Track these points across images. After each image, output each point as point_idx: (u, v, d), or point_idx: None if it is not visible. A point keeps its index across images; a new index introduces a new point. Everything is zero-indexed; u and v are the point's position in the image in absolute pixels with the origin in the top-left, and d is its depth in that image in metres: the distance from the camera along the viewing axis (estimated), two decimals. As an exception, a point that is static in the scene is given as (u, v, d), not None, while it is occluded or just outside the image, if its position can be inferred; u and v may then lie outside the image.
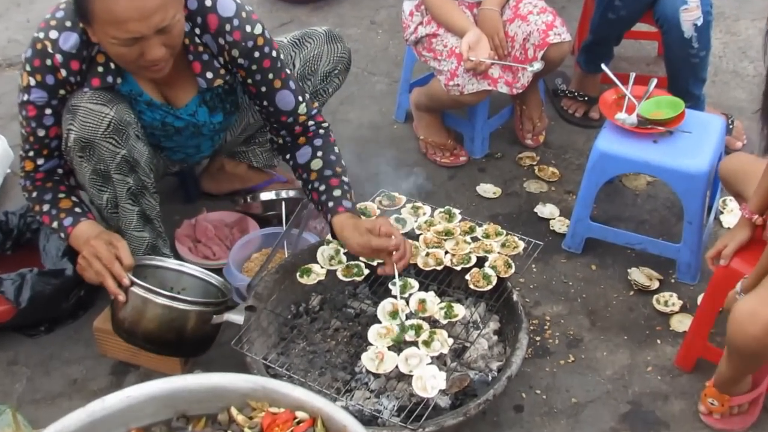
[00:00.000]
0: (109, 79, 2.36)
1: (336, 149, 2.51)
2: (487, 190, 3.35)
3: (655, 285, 2.87)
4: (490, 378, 2.31)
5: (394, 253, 2.26)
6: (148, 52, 2.20)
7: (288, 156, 2.53)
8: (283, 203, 2.96)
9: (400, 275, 2.36)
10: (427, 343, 2.21)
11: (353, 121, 3.81)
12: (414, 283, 2.42)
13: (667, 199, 3.27)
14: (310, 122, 2.51)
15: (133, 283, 2.23)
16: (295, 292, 2.58)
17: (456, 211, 2.68)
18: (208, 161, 3.21)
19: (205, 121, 2.59)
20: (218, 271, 2.80)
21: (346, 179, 2.45)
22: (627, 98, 2.94)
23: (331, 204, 2.39)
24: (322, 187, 2.43)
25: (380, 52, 4.25)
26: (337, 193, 2.40)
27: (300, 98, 2.47)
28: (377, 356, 2.18)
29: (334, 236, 2.39)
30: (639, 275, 2.90)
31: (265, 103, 2.47)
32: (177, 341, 2.27)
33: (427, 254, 2.48)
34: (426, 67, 3.50)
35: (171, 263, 2.45)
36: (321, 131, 2.52)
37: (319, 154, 2.49)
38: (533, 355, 2.63)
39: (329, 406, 1.59)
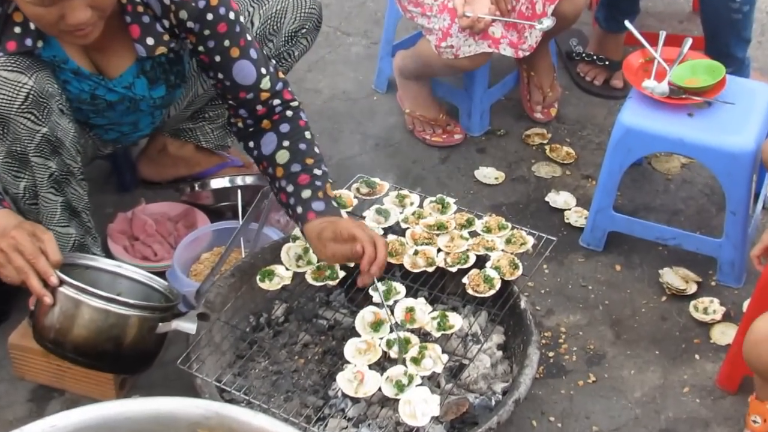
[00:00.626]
0: (28, 42, 2.33)
1: (307, 134, 2.49)
2: (488, 174, 3.37)
3: (692, 289, 2.90)
4: (493, 402, 2.32)
5: (362, 263, 2.24)
6: (69, 14, 2.17)
7: (251, 144, 2.51)
8: (239, 192, 2.96)
9: (381, 280, 2.37)
10: (416, 361, 2.21)
11: (324, 92, 3.81)
12: (400, 287, 2.42)
13: (705, 184, 3.31)
14: (276, 101, 2.49)
15: (62, 282, 2.21)
16: (255, 300, 2.58)
17: (450, 200, 2.69)
18: (147, 141, 3.20)
19: (144, 96, 2.58)
20: (161, 274, 2.78)
21: (319, 172, 2.43)
22: (656, 62, 2.96)
23: (300, 210, 2.38)
24: (290, 188, 2.42)
25: (356, 8, 4.25)
26: (306, 194, 2.39)
27: (263, 70, 2.45)
28: (356, 377, 2.18)
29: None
30: (673, 277, 2.93)
31: (220, 75, 2.44)
32: (114, 353, 2.25)
33: (416, 253, 2.49)
34: (412, 25, 3.50)
35: (105, 263, 2.43)
36: (289, 113, 2.50)
37: (286, 143, 2.47)
38: (546, 374, 2.65)
39: (299, 437, 1.59)
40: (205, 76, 2.52)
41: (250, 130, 2.51)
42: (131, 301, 2.26)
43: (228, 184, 3.00)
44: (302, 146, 2.46)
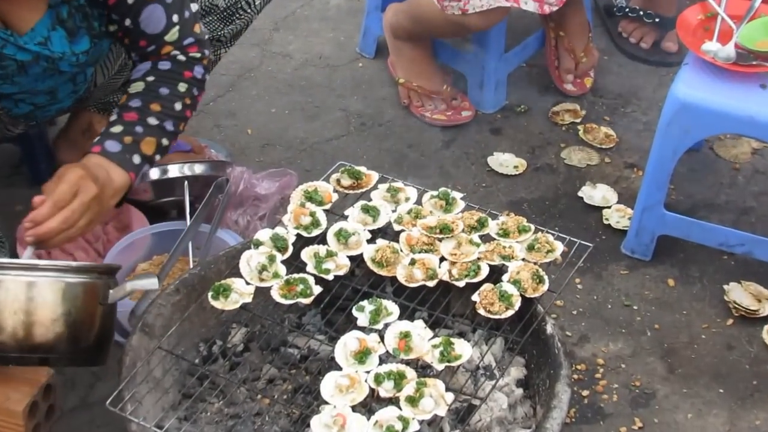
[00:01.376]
0: None
1: (182, 87, 2.57)
2: (506, 162, 3.37)
3: (766, 309, 2.89)
4: (511, 454, 2.31)
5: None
6: None
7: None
8: (186, 184, 2.96)
9: (368, 297, 2.39)
10: (413, 401, 2.19)
11: (295, 57, 3.82)
12: (392, 307, 2.40)
13: (782, 175, 3.34)
14: (178, 54, 2.60)
15: None
16: (206, 324, 2.56)
17: (457, 195, 2.67)
18: (67, 119, 3.20)
19: (64, 52, 2.57)
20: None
21: (153, 122, 2.51)
22: (719, 19, 2.95)
23: (96, 138, 2.48)
24: (113, 116, 2.51)
25: (337, -51, 4.26)
26: (115, 129, 2.48)
27: (175, 18, 2.57)
28: (336, 422, 2.15)
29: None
30: (741, 294, 2.93)
31: (127, 22, 2.54)
32: (67, 337, 2.25)
33: (413, 262, 2.48)
34: (409, -29, 3.50)
35: (13, 261, 2.42)
36: (181, 57, 2.59)
37: (150, 78, 2.56)
38: (579, 418, 2.64)
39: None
40: (108, 18, 2.57)
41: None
42: (72, 264, 2.30)
43: (172, 175, 2.99)
44: (163, 90, 2.55)
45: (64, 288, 2.24)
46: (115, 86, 3.02)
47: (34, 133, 3.09)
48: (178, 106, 2.55)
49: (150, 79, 2.55)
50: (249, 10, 3.02)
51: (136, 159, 2.46)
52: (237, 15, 2.99)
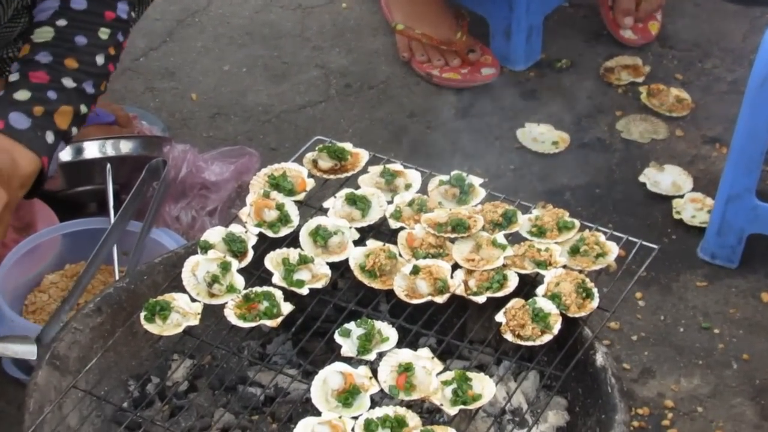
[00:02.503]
0: None
1: (103, 33, 2.60)
2: (541, 136, 3.42)
3: None
4: None
5: None
6: None
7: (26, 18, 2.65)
8: (109, 168, 2.99)
9: (357, 317, 2.42)
10: (417, 458, 2.23)
11: (256, -5, 3.88)
12: (387, 330, 2.43)
13: None
14: None
15: None
16: (138, 355, 2.59)
17: (475, 180, 2.71)
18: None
19: None
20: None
21: (70, 84, 2.54)
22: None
23: None
24: (15, 76, 2.53)
25: None
26: (21, 95, 2.50)
27: None
28: None
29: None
30: None
31: None
32: None
33: (416, 271, 2.51)
34: None
35: None
36: None
37: (61, 22, 2.59)
38: (641, 481, 2.70)
39: None
40: None
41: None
42: None
43: (89, 155, 3.03)
44: (80, 39, 2.58)
45: None
46: (9, 38, 3.02)
47: None
48: (99, 59, 2.57)
49: (61, 23, 2.57)
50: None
51: (50, 137, 2.48)
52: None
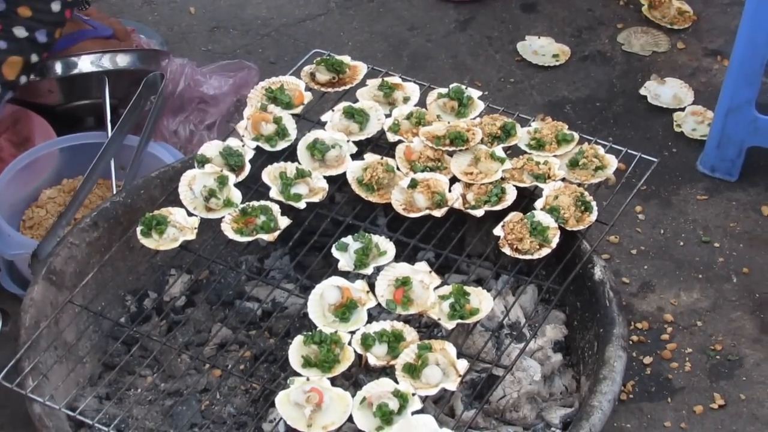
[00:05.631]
0: None
1: None
2: (542, 49, 3.41)
3: None
4: (547, 441, 2.36)
5: None
6: None
7: None
8: (107, 82, 2.97)
9: (355, 231, 2.42)
10: (413, 371, 2.23)
11: None
12: (385, 244, 2.43)
13: None
14: None
15: None
16: (136, 270, 2.60)
17: (474, 93, 2.70)
18: None
19: None
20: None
21: (23, 34, 2.54)
22: None
23: None
24: None
25: None
26: None
27: None
28: (309, 399, 2.19)
29: None
30: None
31: None
32: None
33: (414, 184, 2.51)
34: None
35: None
36: None
37: None
38: (639, 394, 2.69)
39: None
40: None
41: None
42: None
43: (86, 69, 2.99)
44: None
45: None
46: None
47: None
48: (55, 6, 2.56)
49: None
50: None
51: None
52: None
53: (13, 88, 2.52)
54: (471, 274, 2.55)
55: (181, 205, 2.47)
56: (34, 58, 2.54)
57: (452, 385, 2.21)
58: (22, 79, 2.53)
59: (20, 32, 2.51)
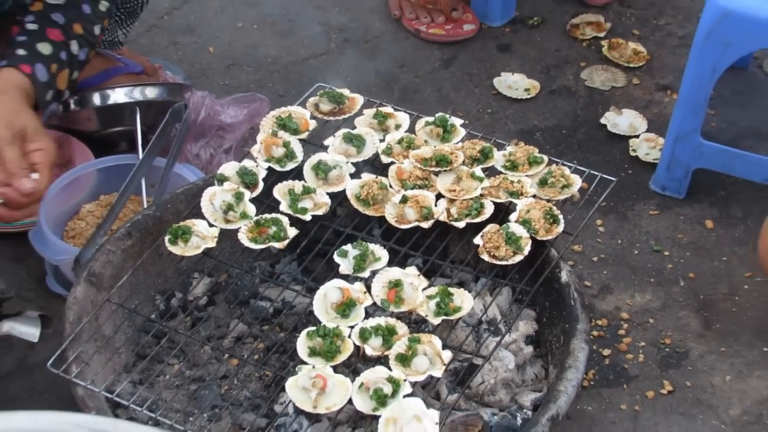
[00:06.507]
0: None
1: (105, 8, 2.56)
2: (515, 84, 3.42)
3: (820, 254, 2.95)
4: (519, 421, 2.36)
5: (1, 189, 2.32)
6: None
7: None
8: (138, 111, 2.99)
9: (354, 240, 2.45)
10: (404, 360, 2.25)
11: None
12: (380, 251, 2.45)
13: (842, 99, 3.39)
14: None
15: None
16: (164, 273, 2.62)
17: (457, 121, 2.72)
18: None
19: None
20: (20, 236, 2.86)
21: (75, 51, 2.50)
22: None
23: (21, 52, 2.43)
24: (33, 26, 2.48)
25: None
26: (45, 49, 2.45)
27: None
28: (314, 384, 2.20)
29: None
30: (790, 237, 2.98)
31: None
32: None
33: (404, 200, 2.52)
34: None
35: None
36: None
37: None
38: (599, 381, 2.71)
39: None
40: None
41: None
42: None
43: (121, 100, 3.02)
44: (86, 8, 2.54)
45: None
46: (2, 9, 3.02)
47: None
48: (97, 29, 2.54)
49: None
50: None
51: (49, 95, 2.46)
52: None
53: (58, 99, 2.52)
54: (454, 278, 2.59)
55: (203, 218, 2.49)
56: (75, 74, 2.54)
57: (438, 372, 2.24)
58: (66, 93, 2.54)
59: (74, 47, 2.50)
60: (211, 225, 2.49)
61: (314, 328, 2.30)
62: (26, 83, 2.40)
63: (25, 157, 2.30)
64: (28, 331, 2.37)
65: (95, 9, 2.54)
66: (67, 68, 2.47)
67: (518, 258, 2.44)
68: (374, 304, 2.37)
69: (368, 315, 2.35)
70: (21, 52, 2.42)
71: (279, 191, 2.52)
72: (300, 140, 2.66)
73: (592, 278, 2.94)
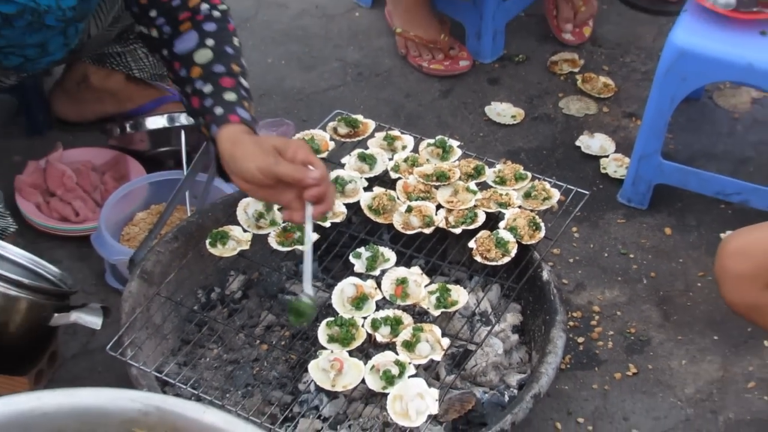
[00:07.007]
0: None
1: (236, 41, 2.54)
2: (503, 112, 3.42)
3: (762, 257, 2.95)
4: (506, 398, 2.37)
5: (307, 193, 2.25)
6: None
7: (165, 51, 2.55)
8: (183, 134, 3.00)
9: (366, 244, 2.45)
10: (409, 346, 2.26)
11: (291, 6, 3.85)
12: (388, 253, 2.47)
13: (781, 124, 3.38)
14: (204, 5, 2.54)
15: None
16: (205, 271, 2.63)
17: (454, 143, 2.73)
18: (62, 70, 3.22)
19: (50, 5, 2.56)
20: (84, 238, 2.87)
21: (245, 83, 2.48)
22: (719, -34, 2.97)
23: (220, 110, 2.40)
24: (208, 88, 2.45)
25: None
26: (230, 96, 2.42)
27: None
28: (332, 366, 2.22)
29: (219, 165, 2.40)
30: (737, 242, 2.98)
31: None
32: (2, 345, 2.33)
33: (409, 210, 2.53)
34: None
35: None
36: (216, 14, 2.55)
37: (210, 42, 2.51)
38: (574, 364, 2.71)
39: (260, 437, 1.64)
40: None
41: (165, 37, 2.55)
42: (24, 280, 2.32)
43: (168, 124, 3.05)
44: (229, 50, 2.51)
45: (9, 299, 2.29)
46: (109, 37, 3.01)
47: (29, 83, 3.11)
48: (243, 61, 2.52)
49: (210, 43, 2.49)
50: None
51: (252, 123, 2.43)
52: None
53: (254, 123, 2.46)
54: (451, 276, 2.60)
55: (238, 224, 2.51)
56: (251, 100, 2.51)
57: (438, 356, 2.26)
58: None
59: (243, 82, 2.49)
60: (245, 230, 2.51)
61: (333, 318, 2.31)
62: (242, 127, 2.36)
63: (294, 163, 2.25)
64: (91, 319, 2.38)
65: (234, 47, 2.52)
66: (250, 100, 2.45)
67: (506, 259, 2.45)
68: (384, 298, 2.38)
69: (379, 307, 2.37)
70: (219, 110, 2.39)
71: (303, 202, 2.51)
72: (321, 158, 2.63)
73: (568, 277, 2.94)
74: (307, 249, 2.28)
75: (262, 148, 2.28)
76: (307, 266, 2.27)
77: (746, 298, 2.34)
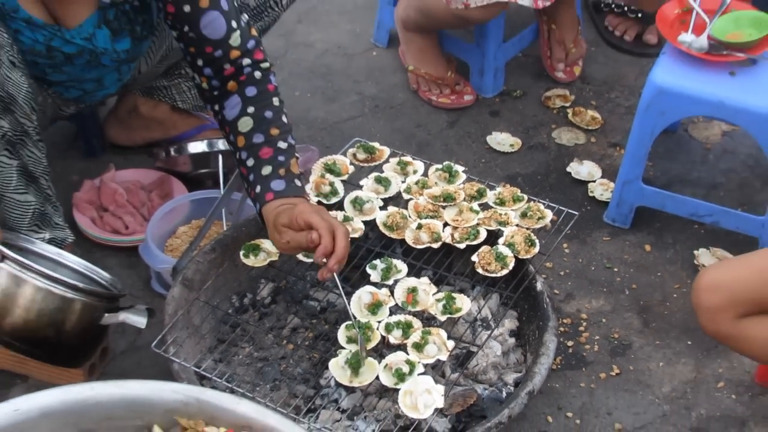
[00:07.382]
0: (-29, -13, 2.37)
1: (275, 101, 2.50)
2: (502, 141, 3.42)
3: (731, 271, 2.93)
4: (504, 394, 2.37)
5: (315, 257, 2.26)
6: None
7: (216, 107, 2.54)
8: (220, 157, 3.01)
9: (380, 257, 2.47)
10: (418, 347, 2.27)
11: (316, 46, 3.85)
12: (401, 265, 2.48)
13: (749, 155, 3.35)
14: (245, 60, 2.50)
15: (3, 257, 2.27)
16: (239, 278, 2.63)
17: (459, 168, 2.74)
18: (115, 101, 3.24)
19: (107, 49, 2.61)
20: (133, 249, 2.88)
21: (284, 145, 2.45)
22: (694, 13, 2.95)
23: (259, 188, 2.40)
24: (250, 161, 2.44)
25: (354, -50, 4.29)
26: (266, 170, 2.41)
27: (234, 24, 2.46)
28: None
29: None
30: (709, 258, 2.97)
31: (186, 28, 2.44)
32: (54, 341, 2.34)
33: (419, 227, 2.53)
34: (418, -30, 3.54)
35: (44, 249, 2.52)
36: (257, 74, 2.51)
37: (250, 109, 2.46)
38: (564, 365, 2.71)
39: (287, 425, 1.64)
40: (170, 29, 2.51)
41: (215, 93, 2.52)
42: (79, 284, 2.34)
43: (207, 149, 3.06)
44: (268, 114, 2.47)
45: (66, 301, 2.32)
46: (157, 73, 3.04)
47: (86, 112, 3.13)
48: (285, 118, 2.48)
49: (251, 110, 2.46)
50: (277, 8, 3.00)
51: (297, 182, 2.42)
52: (266, 12, 2.98)
53: (302, 178, 2.49)
54: (456, 286, 2.60)
55: (268, 238, 2.51)
56: (297, 154, 2.52)
57: (444, 356, 2.27)
58: (301, 170, 2.50)
59: (282, 145, 2.47)
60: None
61: (351, 322, 2.31)
62: (276, 203, 2.37)
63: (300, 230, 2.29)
64: (138, 319, 2.39)
65: (274, 108, 2.48)
66: (290, 158, 2.43)
67: (505, 272, 2.46)
68: (396, 304, 2.39)
69: (392, 313, 2.37)
70: (258, 189, 2.40)
71: (325, 219, 2.52)
72: (342, 181, 2.68)
73: (560, 288, 2.93)
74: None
75: (278, 229, 2.33)
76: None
77: (720, 328, 2.34)
